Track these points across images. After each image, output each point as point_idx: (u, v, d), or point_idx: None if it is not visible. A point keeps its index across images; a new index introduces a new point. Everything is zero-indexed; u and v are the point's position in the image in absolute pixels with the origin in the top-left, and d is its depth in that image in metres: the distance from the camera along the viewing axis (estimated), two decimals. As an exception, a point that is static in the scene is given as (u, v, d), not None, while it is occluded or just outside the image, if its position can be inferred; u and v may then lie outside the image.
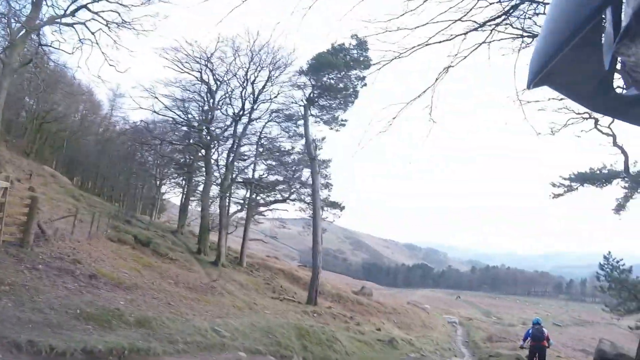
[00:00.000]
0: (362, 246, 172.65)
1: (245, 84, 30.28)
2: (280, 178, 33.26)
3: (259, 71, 29.85)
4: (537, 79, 0.73)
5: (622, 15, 0.58)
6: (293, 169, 33.08)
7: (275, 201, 33.20)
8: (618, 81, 0.75)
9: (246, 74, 29.82)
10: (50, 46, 22.47)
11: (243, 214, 33.00)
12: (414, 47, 7.71)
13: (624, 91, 0.72)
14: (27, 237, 10.02)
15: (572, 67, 0.70)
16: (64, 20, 21.66)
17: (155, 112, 31.03)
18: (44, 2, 20.91)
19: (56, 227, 12.91)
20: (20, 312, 5.57)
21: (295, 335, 11.01)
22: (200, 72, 29.99)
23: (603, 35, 0.64)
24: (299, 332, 11.45)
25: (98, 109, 40.71)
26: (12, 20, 20.30)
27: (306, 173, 31.65)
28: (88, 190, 26.56)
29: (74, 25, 21.82)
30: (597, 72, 0.69)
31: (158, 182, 41.27)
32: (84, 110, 38.71)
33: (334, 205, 32.96)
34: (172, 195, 43.34)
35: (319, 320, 18.64)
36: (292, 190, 32.82)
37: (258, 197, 33.63)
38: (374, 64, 8.95)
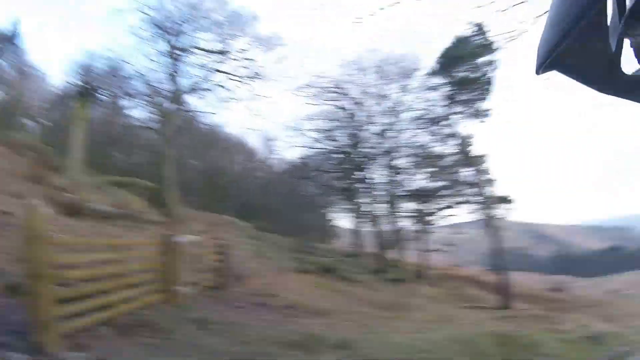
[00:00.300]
0: (545, 238, 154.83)
1: (380, 100, 30.68)
2: (442, 183, 32.24)
3: (390, 84, 30.13)
4: (545, 64, 0.75)
5: None
6: (452, 171, 31.88)
7: (444, 207, 32.14)
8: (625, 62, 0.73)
9: (379, 90, 30.27)
10: (198, 111, 26.47)
11: (415, 227, 32.60)
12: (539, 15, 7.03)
13: (632, 72, 0.73)
14: (224, 280, 11.25)
15: (579, 51, 0.73)
16: (201, 86, 25.01)
17: (306, 147, 33.13)
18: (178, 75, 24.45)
19: (247, 267, 14.18)
20: (233, 346, 6.06)
21: (496, 343, 10.11)
22: (337, 100, 31.17)
23: (609, 17, 0.66)
24: (499, 339, 10.48)
25: (255, 155, 44.80)
26: (159, 98, 24.09)
27: (466, 173, 30.26)
28: (265, 230, 28.91)
29: (212, 88, 25.16)
30: (604, 55, 0.70)
31: (325, 211, 43.43)
32: (243, 159, 42.95)
33: (503, 200, 30.82)
34: (342, 220, 45.03)
35: (517, 324, 17.06)
36: (457, 194, 31.49)
37: (425, 208, 32.95)
38: (499, 46, 8.46)
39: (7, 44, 27.19)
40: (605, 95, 0.80)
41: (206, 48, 25.09)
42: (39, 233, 4.80)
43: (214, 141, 33.21)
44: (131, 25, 24.43)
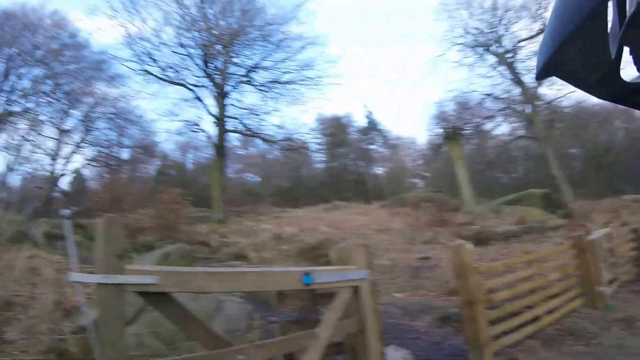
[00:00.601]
0: None
1: None
2: None
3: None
4: (544, 69, 0.79)
5: (627, 5, 0.62)
6: None
7: None
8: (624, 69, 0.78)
9: None
10: (556, 98, 25.12)
11: None
12: None
13: (631, 79, 0.76)
14: (643, 271, 10.42)
15: (579, 57, 0.76)
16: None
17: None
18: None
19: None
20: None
21: None
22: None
23: (609, 24, 0.68)
24: None
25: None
26: (514, 105, 25.08)
27: None
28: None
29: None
30: (603, 61, 0.73)
31: None
32: (624, 126, 37.37)
33: None
34: None
35: None
36: None
37: None
38: None
39: (372, 132, 34.64)
40: (603, 101, 0.85)
41: (528, 36, 24.55)
42: (468, 266, 5.67)
43: (585, 119, 30.77)
44: (455, 61, 26.42)
